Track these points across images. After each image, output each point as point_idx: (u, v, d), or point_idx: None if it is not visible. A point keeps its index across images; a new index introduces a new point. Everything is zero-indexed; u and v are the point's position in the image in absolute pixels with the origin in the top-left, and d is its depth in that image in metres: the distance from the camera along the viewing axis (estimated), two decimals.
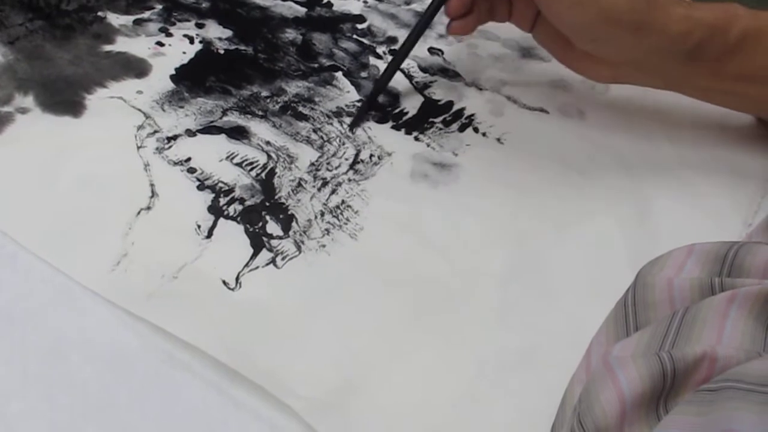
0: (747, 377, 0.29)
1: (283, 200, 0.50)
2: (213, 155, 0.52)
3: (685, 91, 0.55)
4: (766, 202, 0.53)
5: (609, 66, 0.54)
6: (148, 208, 0.48)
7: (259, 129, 0.54)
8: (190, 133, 0.53)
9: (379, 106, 0.57)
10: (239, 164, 0.51)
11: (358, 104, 0.57)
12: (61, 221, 0.47)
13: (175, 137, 0.53)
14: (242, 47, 0.61)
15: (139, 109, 0.54)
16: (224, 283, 0.45)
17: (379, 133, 0.55)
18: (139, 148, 0.52)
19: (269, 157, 0.52)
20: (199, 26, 0.62)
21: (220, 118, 0.55)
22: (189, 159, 0.51)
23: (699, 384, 0.32)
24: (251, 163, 0.52)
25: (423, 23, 0.55)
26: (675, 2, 0.50)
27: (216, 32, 0.61)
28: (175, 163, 0.51)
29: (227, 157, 0.52)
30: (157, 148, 0.52)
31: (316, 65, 0.60)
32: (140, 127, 0.53)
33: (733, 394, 0.28)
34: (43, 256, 0.45)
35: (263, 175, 0.51)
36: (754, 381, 0.28)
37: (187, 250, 0.46)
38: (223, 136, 0.53)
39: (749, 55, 0.51)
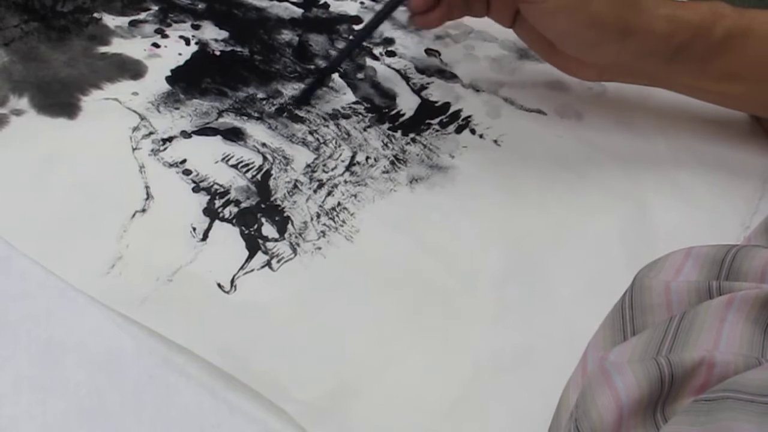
0: (746, 387, 0.28)
1: (278, 202, 0.49)
2: (208, 157, 0.52)
3: (670, 88, 0.55)
4: (763, 203, 0.53)
5: (593, 67, 0.54)
6: (143, 210, 0.48)
7: (255, 131, 0.54)
8: (185, 134, 0.53)
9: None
10: (235, 166, 0.51)
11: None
12: (56, 224, 0.46)
13: (170, 139, 0.52)
14: (238, 49, 0.60)
15: (135, 111, 0.54)
16: (219, 286, 0.44)
17: (375, 136, 0.55)
18: (134, 150, 0.51)
19: (265, 158, 0.52)
20: (195, 27, 0.61)
21: (216, 119, 0.54)
22: (184, 161, 0.51)
23: (697, 389, 0.31)
24: (247, 165, 0.51)
25: (380, 16, 0.56)
26: (660, 2, 0.50)
27: (212, 33, 0.61)
28: (171, 165, 0.51)
29: (223, 159, 0.52)
30: (152, 150, 0.51)
31: (312, 67, 0.60)
32: (135, 129, 0.53)
33: (731, 404, 0.28)
34: (38, 259, 0.45)
35: (259, 176, 0.51)
36: (753, 391, 0.28)
37: (182, 252, 0.46)
38: (218, 137, 0.53)
39: (733, 55, 0.50)
